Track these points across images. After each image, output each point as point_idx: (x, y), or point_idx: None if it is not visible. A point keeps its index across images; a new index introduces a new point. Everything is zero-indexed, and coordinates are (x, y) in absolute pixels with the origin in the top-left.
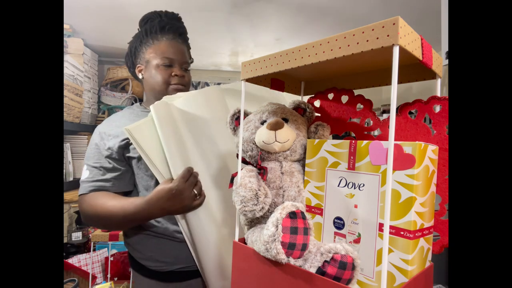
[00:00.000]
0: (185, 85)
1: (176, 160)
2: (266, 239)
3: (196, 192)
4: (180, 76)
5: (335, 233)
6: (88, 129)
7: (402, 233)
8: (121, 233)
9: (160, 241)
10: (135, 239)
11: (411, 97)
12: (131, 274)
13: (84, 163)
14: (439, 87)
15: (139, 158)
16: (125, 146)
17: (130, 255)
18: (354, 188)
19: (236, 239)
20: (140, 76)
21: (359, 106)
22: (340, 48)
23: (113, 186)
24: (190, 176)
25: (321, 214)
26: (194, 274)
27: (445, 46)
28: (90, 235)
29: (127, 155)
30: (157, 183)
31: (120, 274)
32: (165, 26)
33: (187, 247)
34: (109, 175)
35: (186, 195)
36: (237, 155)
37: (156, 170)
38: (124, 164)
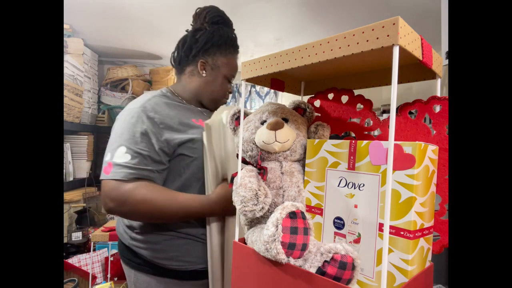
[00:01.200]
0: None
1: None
2: (266, 239)
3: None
4: (231, 92)
5: (335, 233)
6: (88, 129)
7: (402, 233)
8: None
9: (187, 242)
10: (155, 239)
11: (411, 97)
12: (130, 274)
13: (122, 144)
14: (439, 87)
15: (195, 159)
16: (186, 143)
17: (134, 253)
18: (354, 188)
19: (236, 239)
20: (203, 73)
21: (359, 106)
22: (340, 48)
23: (156, 179)
24: None
25: (321, 214)
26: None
27: (445, 46)
28: (90, 235)
29: (181, 152)
30: (202, 185)
31: (120, 274)
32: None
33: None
34: (154, 167)
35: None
36: (237, 155)
37: (215, 171)
38: (169, 160)
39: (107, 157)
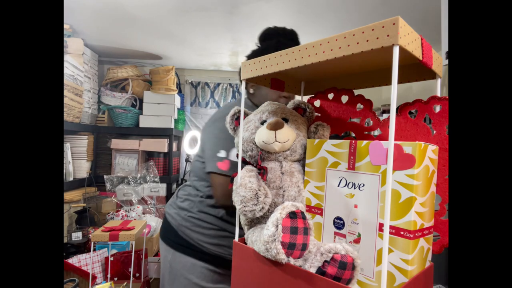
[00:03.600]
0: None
1: None
2: (266, 239)
3: None
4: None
5: (335, 233)
6: (88, 129)
7: (402, 233)
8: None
9: (231, 235)
10: (208, 225)
11: (411, 97)
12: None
13: (234, 147)
14: (439, 87)
15: None
16: None
17: (180, 236)
18: (354, 188)
19: (236, 239)
20: (251, 91)
21: (359, 106)
22: (340, 48)
23: None
24: None
25: (321, 214)
26: None
27: (445, 46)
28: (90, 235)
29: None
30: None
31: (120, 274)
32: (279, 47)
33: None
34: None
35: None
36: (237, 155)
37: None
38: None
39: (221, 154)
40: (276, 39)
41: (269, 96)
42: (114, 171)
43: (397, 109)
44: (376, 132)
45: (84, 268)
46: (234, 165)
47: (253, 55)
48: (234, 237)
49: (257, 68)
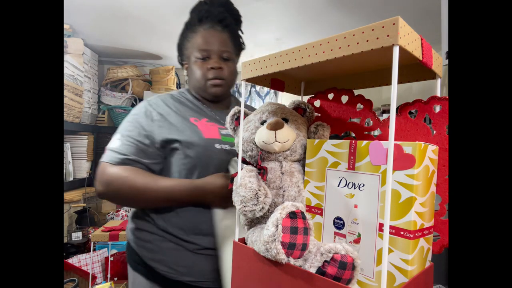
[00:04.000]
0: (225, 78)
1: None
2: (266, 239)
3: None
4: (217, 68)
5: (335, 233)
6: (88, 129)
7: (402, 233)
8: (122, 232)
9: (177, 247)
10: (149, 237)
11: (411, 97)
12: (130, 274)
13: (119, 132)
14: (439, 87)
15: (187, 157)
16: (175, 143)
17: (133, 252)
18: (354, 188)
19: (236, 239)
20: (185, 75)
21: (359, 106)
22: (340, 48)
23: (146, 169)
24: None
25: (321, 214)
26: None
27: (445, 46)
28: (90, 235)
29: (174, 148)
30: (188, 173)
31: (120, 274)
32: (203, 16)
33: (202, 260)
34: (142, 157)
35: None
36: (237, 155)
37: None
38: (162, 155)
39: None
40: (200, 8)
41: (198, 75)
42: None
43: (397, 109)
44: (376, 132)
45: (84, 268)
46: (111, 151)
47: (180, 34)
48: (178, 246)
49: (257, 68)
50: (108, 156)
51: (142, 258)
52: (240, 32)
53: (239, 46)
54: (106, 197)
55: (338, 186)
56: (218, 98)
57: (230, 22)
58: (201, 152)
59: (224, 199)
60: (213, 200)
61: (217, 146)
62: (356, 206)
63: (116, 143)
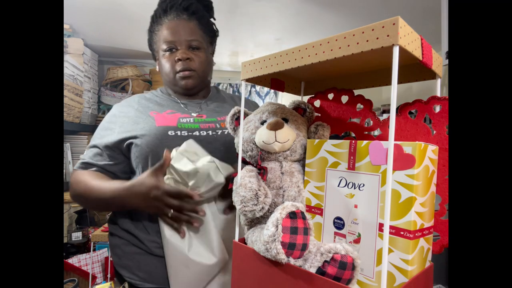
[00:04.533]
0: (195, 69)
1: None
2: (266, 239)
3: (168, 213)
4: (184, 59)
5: (335, 233)
6: (88, 129)
7: (402, 233)
8: None
9: (139, 251)
10: (115, 242)
11: (411, 97)
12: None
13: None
14: (439, 87)
15: (138, 156)
16: (129, 139)
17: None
18: (354, 188)
19: (236, 239)
20: (157, 69)
21: (359, 106)
22: (340, 48)
23: (108, 172)
24: (178, 205)
25: (321, 214)
26: None
27: (445, 46)
28: (90, 235)
29: (129, 148)
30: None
31: None
32: (167, 6)
33: (163, 264)
34: (100, 160)
35: (158, 209)
36: (237, 155)
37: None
38: (123, 155)
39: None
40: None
41: (166, 68)
42: None
43: (397, 109)
44: (376, 132)
45: (84, 268)
46: (79, 159)
47: (148, 29)
48: (139, 249)
49: (257, 68)
50: (76, 164)
51: (114, 265)
52: (212, 19)
53: (211, 33)
54: (73, 200)
55: (338, 186)
56: (190, 91)
57: (197, 8)
58: (151, 141)
59: (152, 204)
60: (138, 204)
61: (171, 133)
62: (356, 206)
63: (85, 151)
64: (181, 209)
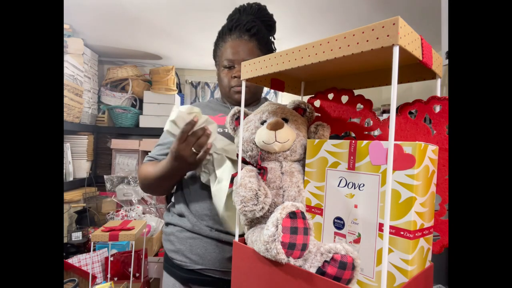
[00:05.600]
0: (248, 86)
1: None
2: (266, 239)
3: (194, 150)
4: (239, 76)
5: (335, 233)
6: (88, 129)
7: (402, 233)
8: (122, 232)
9: (192, 236)
10: (170, 230)
11: (411, 97)
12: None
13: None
14: (439, 87)
15: None
16: None
17: (165, 253)
18: (354, 188)
19: (236, 239)
20: (218, 78)
21: (359, 106)
22: (340, 48)
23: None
24: (188, 136)
25: (321, 214)
26: (214, 283)
27: (445, 46)
28: (90, 235)
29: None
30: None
31: (120, 274)
32: (233, 25)
33: (214, 247)
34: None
35: (185, 154)
36: (237, 155)
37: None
38: None
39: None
40: (233, 16)
41: (224, 82)
42: (114, 171)
43: (397, 109)
44: (376, 132)
45: (84, 268)
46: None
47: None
48: (194, 234)
49: (257, 68)
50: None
51: (166, 253)
52: (272, 38)
53: (268, 52)
54: (141, 187)
55: (338, 186)
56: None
57: (259, 30)
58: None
59: (184, 152)
60: (179, 159)
61: (219, 130)
62: (356, 206)
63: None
64: (198, 138)
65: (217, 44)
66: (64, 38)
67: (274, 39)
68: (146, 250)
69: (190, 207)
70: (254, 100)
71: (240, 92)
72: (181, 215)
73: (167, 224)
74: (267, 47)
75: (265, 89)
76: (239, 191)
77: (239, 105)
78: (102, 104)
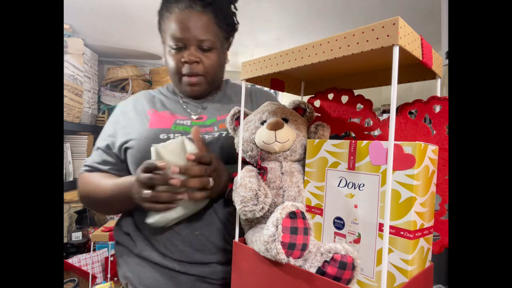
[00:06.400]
0: (203, 74)
1: None
2: (266, 239)
3: (147, 196)
4: (191, 62)
5: (335, 233)
6: (88, 129)
7: (402, 233)
8: None
9: (139, 262)
10: (119, 250)
11: (411, 97)
12: None
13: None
14: (439, 87)
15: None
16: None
17: None
18: (354, 188)
19: (236, 239)
20: (164, 62)
21: (359, 106)
22: (340, 48)
23: (107, 172)
24: (152, 172)
25: (321, 214)
26: None
27: (445, 46)
28: (90, 235)
29: (123, 147)
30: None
31: None
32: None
33: (169, 278)
34: (104, 165)
35: (134, 190)
36: (237, 155)
37: None
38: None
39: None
40: None
41: (171, 67)
42: None
43: (397, 109)
44: (376, 132)
45: (84, 268)
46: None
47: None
48: (139, 260)
49: (257, 68)
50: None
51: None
52: (233, 8)
53: (229, 28)
54: (81, 202)
55: (338, 186)
56: (196, 98)
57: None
58: (142, 145)
59: (135, 191)
60: (128, 196)
61: (163, 136)
62: (356, 206)
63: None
64: (153, 182)
65: (161, 14)
66: (64, 38)
67: (236, 9)
68: None
69: (138, 225)
70: (210, 91)
71: (194, 85)
72: (128, 234)
73: (116, 242)
74: (226, 21)
75: (265, 89)
76: (239, 191)
77: (193, 99)
78: (102, 104)
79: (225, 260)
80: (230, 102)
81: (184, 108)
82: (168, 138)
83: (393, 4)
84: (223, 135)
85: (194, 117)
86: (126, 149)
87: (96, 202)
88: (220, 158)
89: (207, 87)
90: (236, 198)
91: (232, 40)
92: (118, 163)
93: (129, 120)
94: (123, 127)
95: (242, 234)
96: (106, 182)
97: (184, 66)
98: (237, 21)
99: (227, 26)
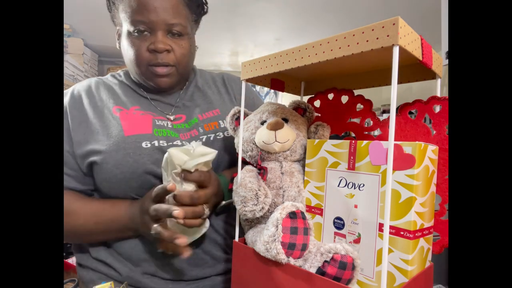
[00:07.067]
0: (174, 64)
1: None
2: (266, 239)
3: (155, 231)
4: (161, 50)
5: (335, 233)
6: None
7: (402, 233)
8: None
9: (100, 276)
10: (89, 276)
11: (411, 97)
12: None
13: None
14: (439, 87)
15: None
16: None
17: None
18: (354, 188)
19: (236, 239)
20: (118, 47)
21: (359, 106)
22: (340, 48)
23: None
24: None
25: (321, 214)
26: None
27: (445, 46)
28: None
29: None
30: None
31: None
32: None
33: None
34: (70, 181)
35: (142, 222)
36: (237, 155)
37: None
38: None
39: None
40: None
41: (131, 56)
42: None
43: (397, 109)
44: (376, 132)
45: None
46: None
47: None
48: (101, 274)
49: (257, 68)
50: None
51: None
52: None
53: (198, 10)
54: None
55: (338, 186)
56: (163, 91)
57: None
58: (120, 159)
59: (142, 221)
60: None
61: (145, 144)
62: (356, 206)
63: None
64: (158, 216)
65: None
66: (64, 38)
67: None
68: None
69: (115, 248)
70: (184, 80)
71: (163, 76)
72: (101, 261)
73: (80, 265)
74: (196, 2)
75: (265, 89)
76: (239, 191)
77: (161, 91)
78: None
79: (223, 271)
80: (205, 95)
81: (154, 106)
82: (153, 146)
83: (393, 4)
84: (211, 138)
85: (171, 117)
86: (92, 164)
87: (71, 231)
88: (213, 161)
89: (178, 78)
90: (236, 198)
91: (198, 24)
92: (81, 178)
93: (89, 123)
94: (83, 133)
95: (242, 234)
96: (84, 207)
97: (151, 55)
98: (206, 1)
99: (197, 8)
